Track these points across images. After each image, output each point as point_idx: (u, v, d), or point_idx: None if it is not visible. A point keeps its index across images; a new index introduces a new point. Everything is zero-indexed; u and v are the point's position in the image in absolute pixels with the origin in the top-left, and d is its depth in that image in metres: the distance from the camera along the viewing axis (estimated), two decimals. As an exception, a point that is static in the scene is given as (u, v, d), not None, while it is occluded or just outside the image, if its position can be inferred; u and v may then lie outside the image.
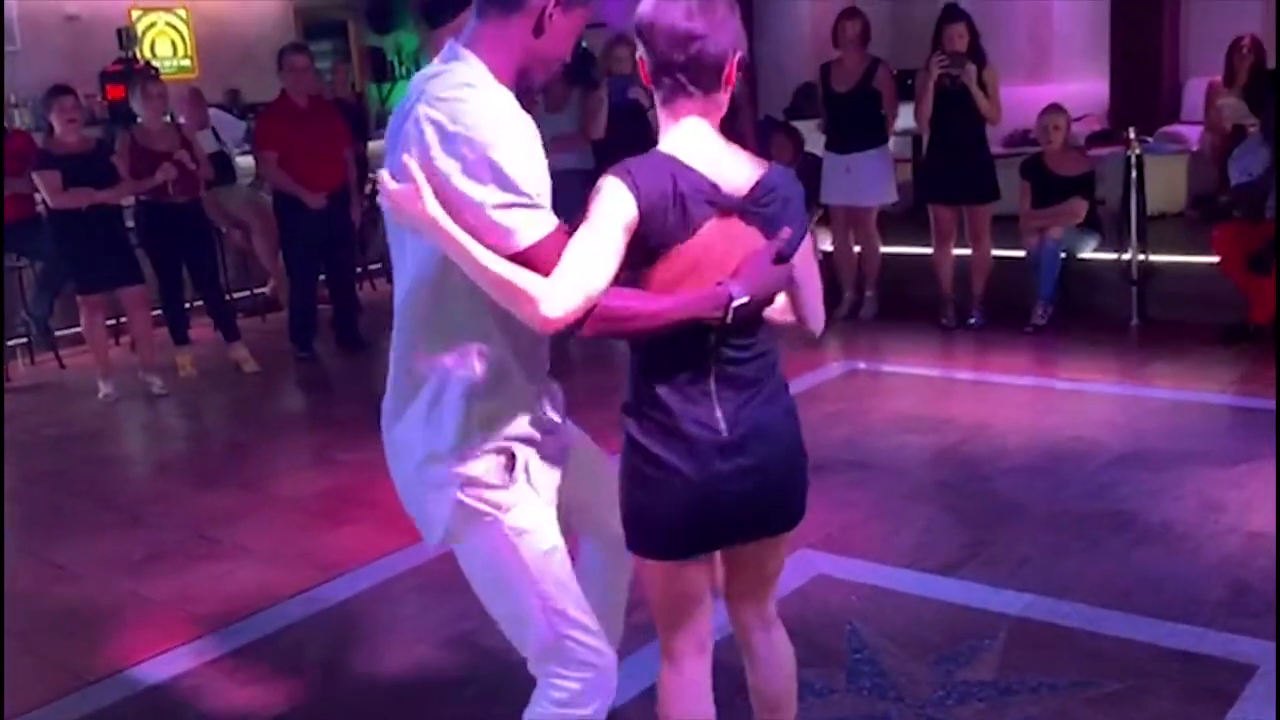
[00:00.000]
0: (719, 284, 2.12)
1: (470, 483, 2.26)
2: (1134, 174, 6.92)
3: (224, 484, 5.41)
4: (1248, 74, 7.84)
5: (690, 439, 2.20)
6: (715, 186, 2.13)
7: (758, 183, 2.18)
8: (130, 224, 7.14)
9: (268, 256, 8.73)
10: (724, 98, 2.19)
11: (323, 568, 4.33)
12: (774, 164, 2.27)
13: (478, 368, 2.25)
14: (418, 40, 14.01)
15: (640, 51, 2.20)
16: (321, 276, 7.72)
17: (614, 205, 2.08)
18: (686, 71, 2.14)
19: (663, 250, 2.12)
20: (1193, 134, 8.59)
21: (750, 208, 2.17)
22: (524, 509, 2.31)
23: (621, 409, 2.32)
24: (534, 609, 2.33)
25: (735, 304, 2.10)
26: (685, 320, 2.11)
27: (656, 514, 2.26)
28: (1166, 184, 7.99)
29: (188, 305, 7.51)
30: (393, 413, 2.41)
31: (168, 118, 7.78)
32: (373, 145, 10.21)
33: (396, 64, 13.80)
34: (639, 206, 2.08)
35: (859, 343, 7.16)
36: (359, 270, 9.01)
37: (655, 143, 2.22)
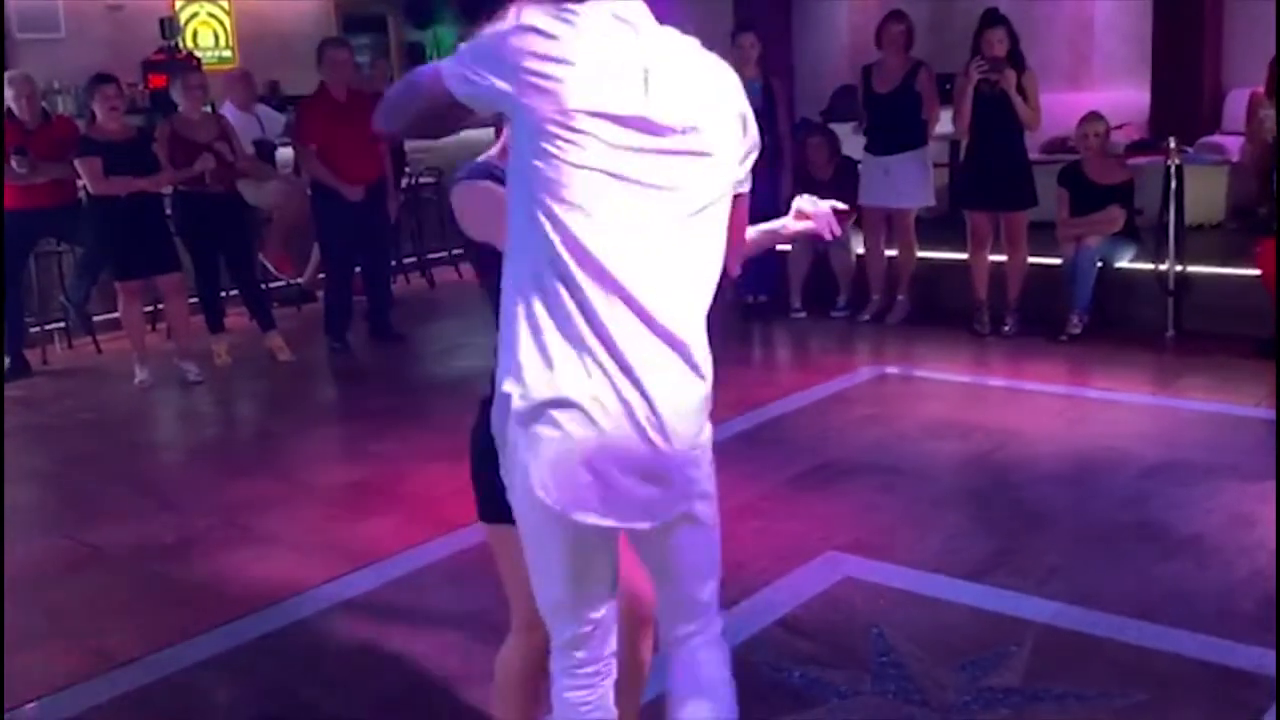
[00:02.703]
0: None
1: None
2: (1173, 184, 6.86)
3: (255, 472, 5.45)
4: (1291, 86, 7.75)
5: None
6: None
7: None
8: (168, 212, 7.20)
9: (277, 244, 8.77)
10: None
11: (351, 557, 4.36)
12: None
13: None
14: (457, 34, 14.08)
15: None
16: (358, 269, 7.76)
17: None
18: None
19: None
20: (1233, 145, 8.50)
21: None
22: None
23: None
24: None
25: None
26: None
27: None
28: (1206, 195, 7.91)
29: (224, 294, 7.56)
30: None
31: (208, 108, 7.85)
32: (409, 141, 10.27)
33: (436, 58, 13.89)
34: None
35: (890, 347, 7.15)
36: (394, 264, 9.06)
37: None
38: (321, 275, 8.15)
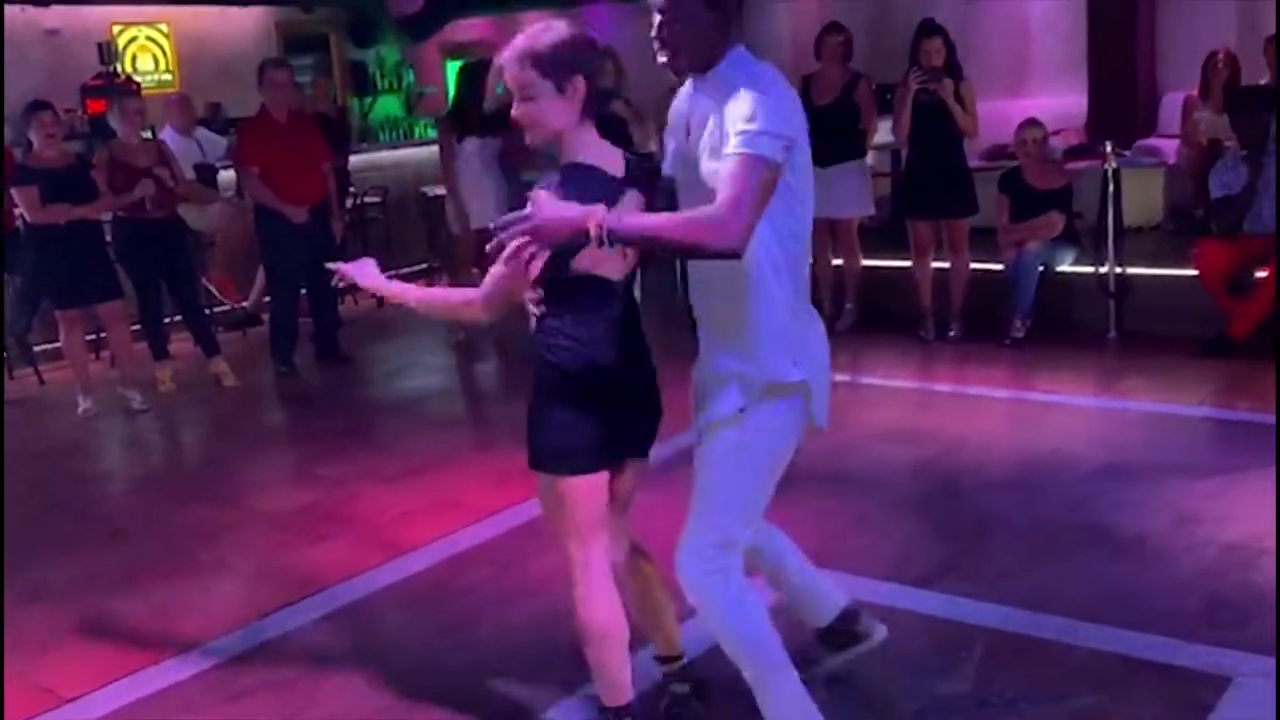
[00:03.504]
0: None
1: None
2: (1111, 187, 6.97)
3: (203, 499, 5.40)
4: (1223, 88, 7.89)
5: None
6: None
7: None
8: (108, 239, 7.11)
9: (222, 267, 8.70)
10: None
11: (302, 583, 4.32)
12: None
13: None
14: (399, 54, 14.03)
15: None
16: (303, 291, 7.71)
17: None
18: None
19: None
20: (1169, 147, 8.65)
21: None
22: None
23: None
24: None
25: None
26: None
27: None
28: (1143, 197, 8.04)
29: (167, 320, 7.48)
30: None
31: (147, 133, 7.78)
32: (354, 159, 10.23)
33: (378, 77, 13.81)
34: None
35: (840, 355, 7.05)
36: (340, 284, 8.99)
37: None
38: (266, 298, 8.09)
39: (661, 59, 2.67)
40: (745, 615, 2.85)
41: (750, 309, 2.68)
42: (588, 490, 2.79)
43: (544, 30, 2.63)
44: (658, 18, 2.63)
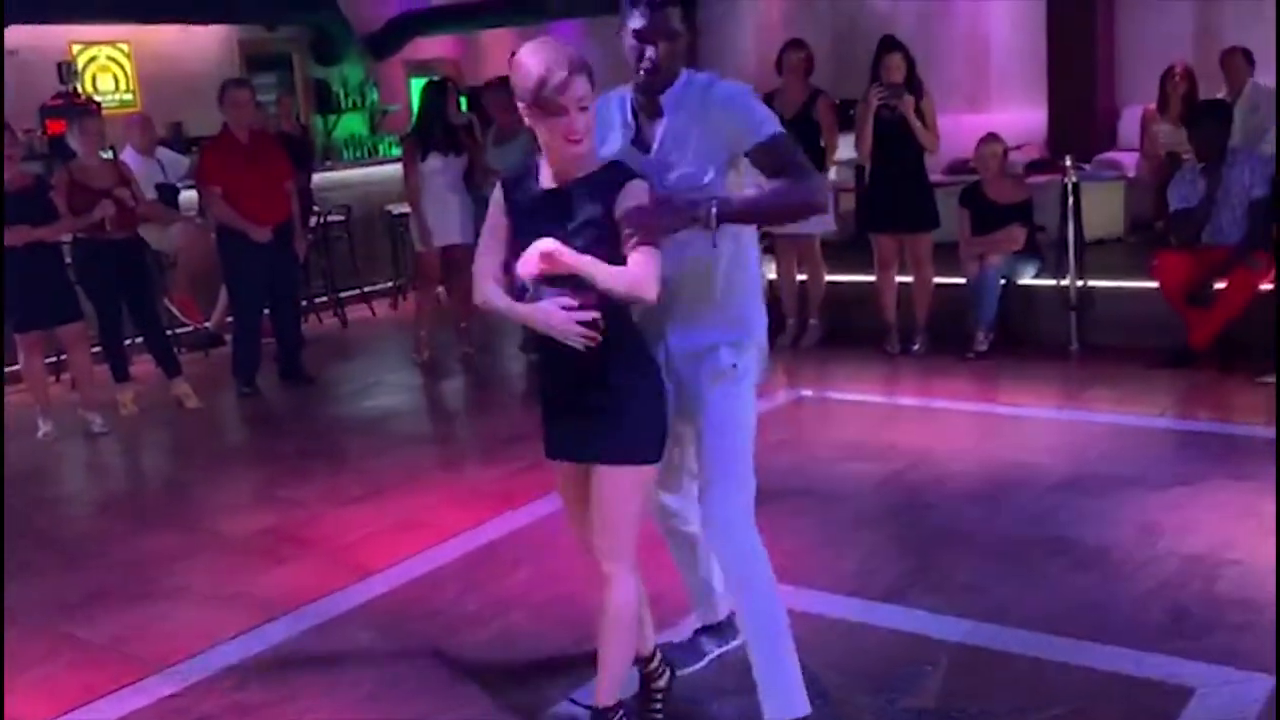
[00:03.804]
0: None
1: None
2: (1071, 201, 7.02)
3: (164, 523, 5.34)
4: (1181, 102, 7.98)
5: None
6: None
7: None
8: (68, 261, 7.04)
9: (184, 287, 8.64)
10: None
11: (264, 607, 4.28)
12: None
13: None
14: (363, 72, 13.99)
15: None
16: (266, 311, 7.66)
17: None
18: None
19: None
20: (1129, 160, 8.74)
21: None
22: None
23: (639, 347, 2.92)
24: None
25: None
26: None
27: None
28: (1104, 210, 8.11)
29: (128, 341, 7.41)
30: None
31: (108, 153, 7.72)
32: (318, 178, 10.19)
33: (342, 96, 13.76)
34: None
35: (805, 371, 7.21)
36: (304, 303, 8.96)
37: None
38: (229, 318, 8.04)
39: (644, 78, 2.88)
40: (772, 576, 3.08)
41: (744, 278, 3.08)
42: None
43: (574, 44, 2.81)
44: (653, 41, 2.84)
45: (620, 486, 2.90)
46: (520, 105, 2.76)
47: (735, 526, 3.02)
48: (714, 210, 2.77)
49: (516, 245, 2.81)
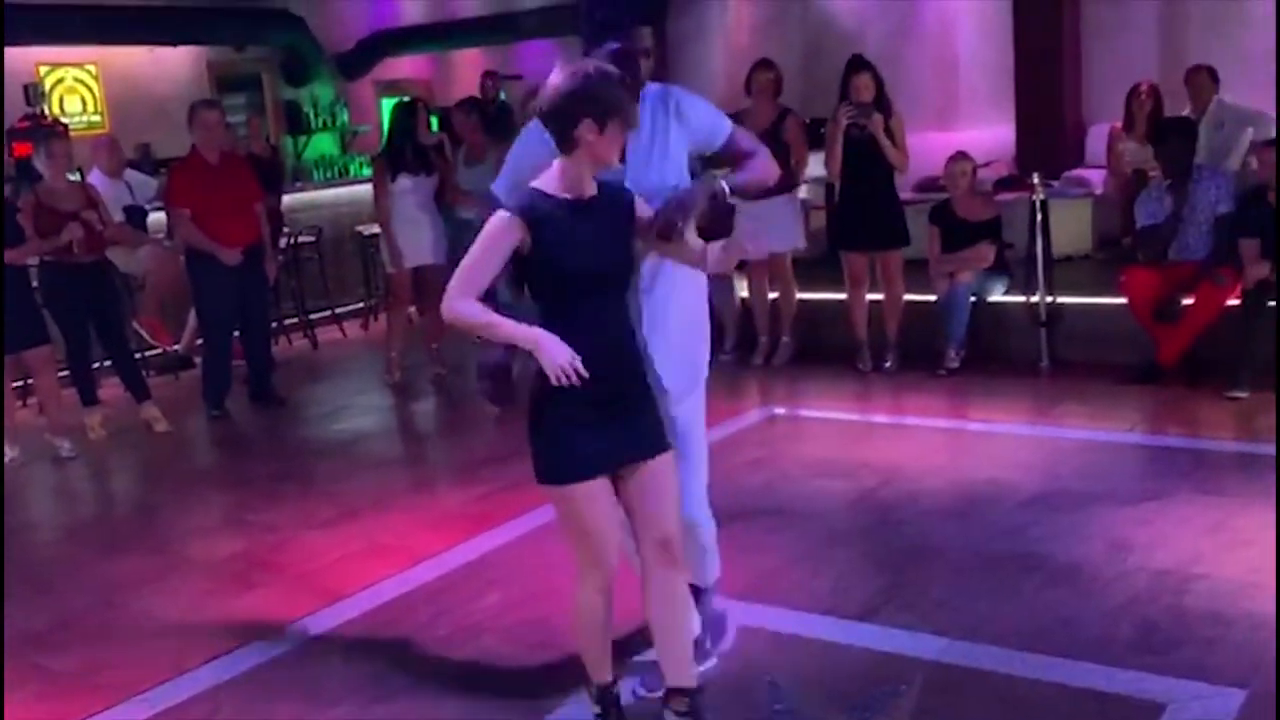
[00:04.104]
0: None
1: None
2: (1039, 218, 7.07)
3: (133, 548, 5.29)
4: (1147, 120, 8.06)
5: None
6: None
7: None
8: (34, 284, 6.99)
9: (153, 310, 8.59)
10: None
11: (235, 632, 4.24)
12: None
13: None
14: (333, 92, 13.98)
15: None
16: (236, 333, 7.62)
17: None
18: None
19: None
20: (1096, 178, 8.80)
21: None
22: None
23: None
24: None
25: None
26: None
27: None
28: (1072, 227, 8.16)
29: (96, 365, 7.36)
30: None
31: (75, 176, 7.67)
32: (288, 198, 10.16)
33: (312, 116, 13.75)
34: None
35: (777, 388, 7.22)
36: (275, 325, 8.92)
37: None
38: (199, 341, 7.99)
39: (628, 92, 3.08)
40: None
41: (702, 303, 3.55)
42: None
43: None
44: (641, 58, 3.25)
45: (671, 470, 3.11)
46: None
47: (704, 516, 3.59)
48: (724, 184, 3.25)
49: (547, 259, 2.94)
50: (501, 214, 2.95)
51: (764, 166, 3.47)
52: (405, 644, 4.07)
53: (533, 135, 3.26)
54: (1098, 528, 4.58)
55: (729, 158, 3.46)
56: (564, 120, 2.89)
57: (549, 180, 2.98)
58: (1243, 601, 3.85)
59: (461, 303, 2.95)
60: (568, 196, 2.96)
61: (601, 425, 2.98)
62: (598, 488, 3.03)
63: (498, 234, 2.94)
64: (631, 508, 3.10)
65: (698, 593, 3.58)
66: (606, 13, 3.32)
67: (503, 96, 11.68)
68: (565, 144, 2.92)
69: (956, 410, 6.50)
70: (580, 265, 2.94)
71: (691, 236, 3.17)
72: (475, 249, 2.96)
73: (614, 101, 2.89)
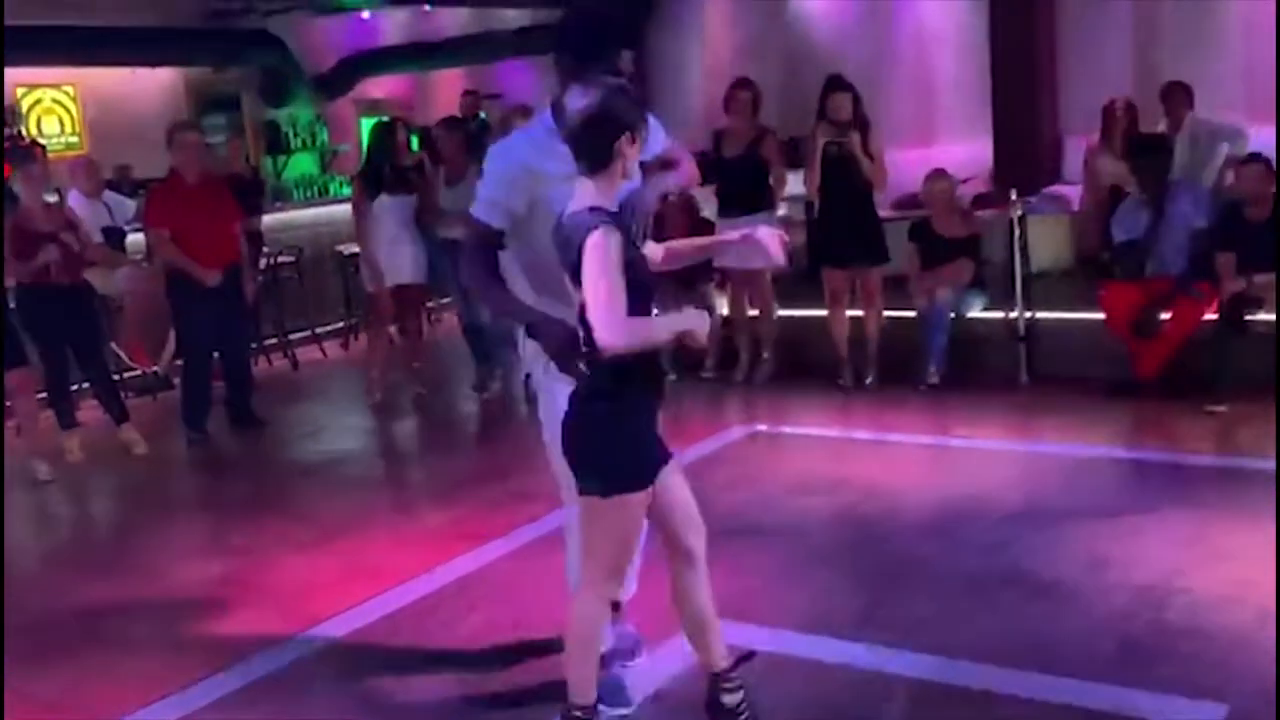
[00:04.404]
0: None
1: None
2: (1017, 234, 7.11)
3: (112, 573, 5.25)
4: (1123, 136, 8.11)
5: None
6: None
7: None
8: (12, 306, 6.94)
9: (132, 331, 8.55)
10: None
11: (215, 656, 4.20)
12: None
13: None
14: (313, 112, 13.97)
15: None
16: (216, 354, 7.59)
17: None
18: None
19: None
20: (1073, 193, 8.84)
21: None
22: None
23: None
24: None
25: None
26: None
27: None
28: (1050, 243, 8.20)
29: (74, 387, 7.31)
30: None
31: (53, 197, 7.64)
32: (268, 219, 10.14)
33: (292, 136, 13.73)
34: None
35: (759, 406, 7.23)
36: (254, 346, 8.89)
37: None
38: (178, 362, 7.95)
39: None
40: None
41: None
42: None
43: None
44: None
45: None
46: None
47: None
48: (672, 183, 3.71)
49: (634, 270, 2.99)
50: (606, 232, 2.92)
51: (691, 171, 3.79)
52: (388, 666, 4.05)
53: (515, 155, 3.29)
54: (1078, 543, 4.59)
55: (662, 164, 3.64)
56: (605, 135, 2.97)
57: (590, 198, 3.00)
58: (1223, 616, 3.86)
59: (623, 328, 2.91)
60: (614, 210, 3.04)
61: (655, 428, 3.13)
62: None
63: (615, 251, 2.92)
64: (668, 511, 3.17)
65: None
66: (587, 40, 3.34)
67: (483, 116, 11.69)
68: (604, 159, 2.99)
69: (937, 426, 6.51)
70: (648, 273, 3.10)
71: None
72: (603, 274, 2.90)
73: (639, 116, 3.03)
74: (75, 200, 8.28)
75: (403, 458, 7.40)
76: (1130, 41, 9.77)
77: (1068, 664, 3.63)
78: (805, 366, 7.64)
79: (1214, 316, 6.38)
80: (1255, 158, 6.55)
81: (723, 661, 3.29)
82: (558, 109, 3.20)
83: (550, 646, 3.50)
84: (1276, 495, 4.71)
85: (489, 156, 3.48)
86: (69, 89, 11.79)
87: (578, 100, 2.97)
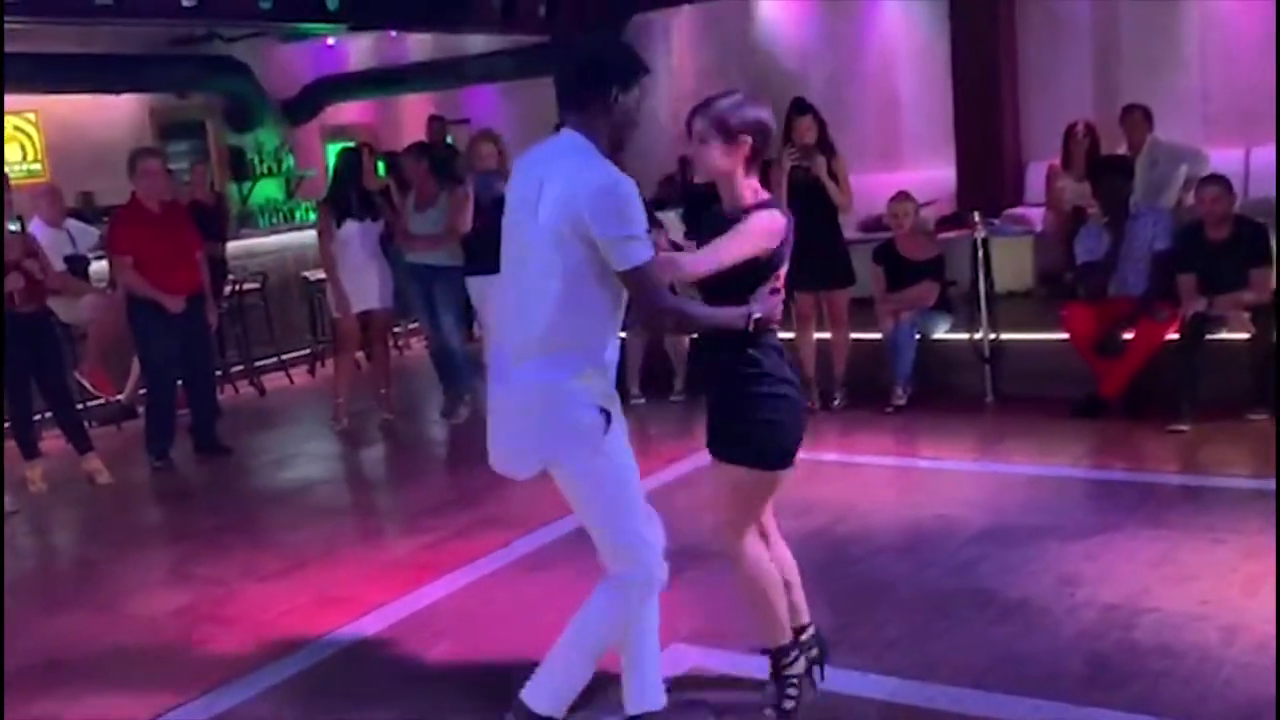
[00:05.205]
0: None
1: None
2: (981, 255, 7.17)
3: (75, 605, 5.19)
4: (1085, 158, 8.19)
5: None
6: None
7: None
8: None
9: (95, 360, 8.48)
10: None
11: (180, 689, 4.16)
12: None
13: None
14: (278, 138, 13.91)
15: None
16: (180, 382, 7.53)
17: None
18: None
19: None
20: (1036, 215, 8.92)
21: None
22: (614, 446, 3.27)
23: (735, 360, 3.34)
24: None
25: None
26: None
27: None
28: (1014, 264, 8.27)
29: (37, 417, 7.23)
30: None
31: (15, 225, 7.58)
32: (233, 245, 10.08)
33: (257, 162, 13.67)
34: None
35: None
36: (220, 373, 8.83)
37: None
38: (142, 390, 7.88)
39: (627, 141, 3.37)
40: None
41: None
42: None
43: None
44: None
45: None
46: None
47: None
48: None
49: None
50: (772, 218, 3.35)
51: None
52: (355, 696, 4.01)
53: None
54: (1046, 562, 4.61)
55: None
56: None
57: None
58: (1190, 634, 3.89)
59: (710, 270, 3.36)
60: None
61: None
62: None
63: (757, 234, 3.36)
64: None
65: None
66: (584, 79, 3.26)
67: (450, 141, 11.68)
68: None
69: (904, 447, 6.54)
70: None
71: None
72: (745, 241, 3.34)
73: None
74: (37, 228, 8.21)
75: (370, 485, 7.35)
76: (1090, 65, 9.90)
77: (1038, 684, 3.64)
78: (773, 389, 7.63)
79: (1176, 336, 6.45)
80: (1214, 179, 6.63)
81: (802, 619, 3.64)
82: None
83: (517, 676, 3.47)
84: (1277, 513, 4.74)
85: (627, 187, 3.13)
86: (30, 115, 11.68)
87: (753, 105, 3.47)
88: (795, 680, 3.52)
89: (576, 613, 3.37)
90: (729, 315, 3.27)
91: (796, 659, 3.55)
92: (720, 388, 3.41)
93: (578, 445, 3.20)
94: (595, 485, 3.27)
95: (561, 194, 3.07)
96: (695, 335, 3.55)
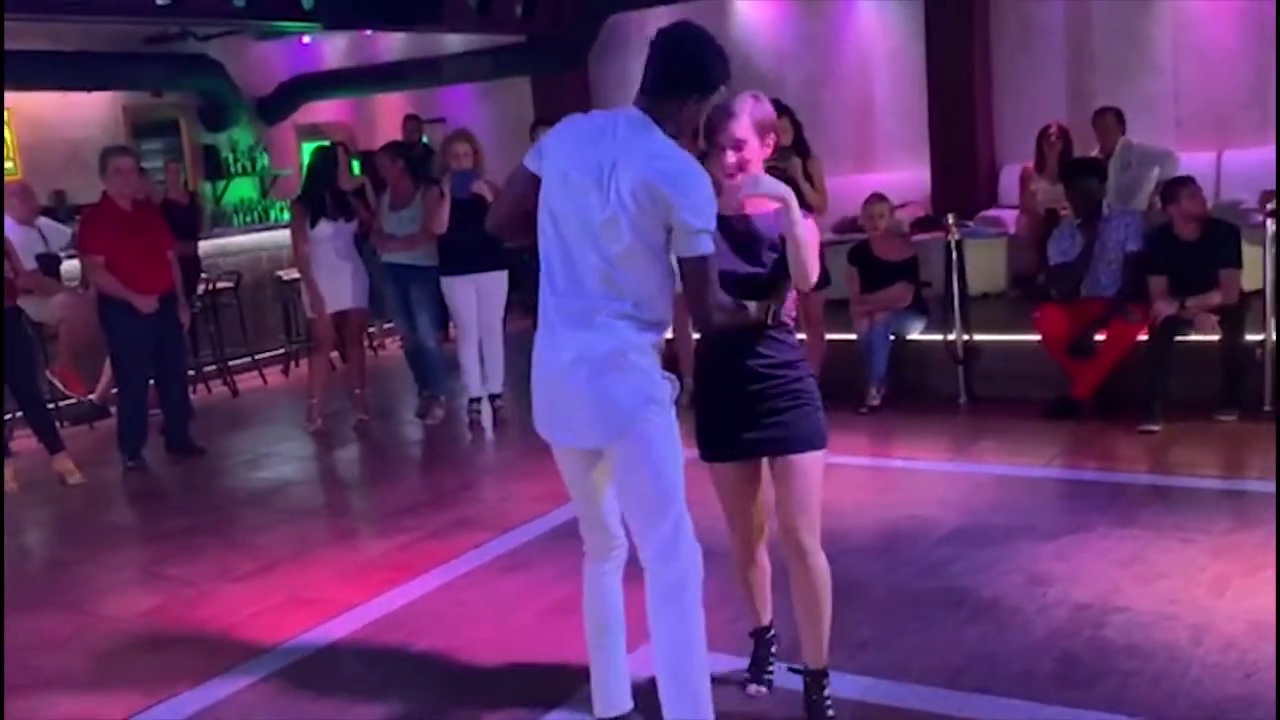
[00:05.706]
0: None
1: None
2: (955, 257, 7.20)
3: (45, 606, 5.14)
4: (1057, 160, 8.25)
5: None
6: None
7: None
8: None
9: (67, 359, 8.42)
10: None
11: (150, 691, 4.13)
12: None
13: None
14: (253, 136, 13.86)
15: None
16: (152, 381, 7.49)
17: None
18: None
19: None
20: (1009, 217, 8.99)
21: None
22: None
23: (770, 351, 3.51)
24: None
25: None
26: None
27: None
28: (987, 266, 8.33)
29: (7, 416, 7.17)
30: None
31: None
32: (207, 244, 10.03)
33: (232, 161, 13.61)
34: None
35: (702, 430, 7.22)
36: (192, 372, 8.78)
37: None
38: (114, 390, 7.83)
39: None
40: None
41: None
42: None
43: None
44: None
45: None
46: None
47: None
48: None
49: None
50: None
51: None
52: (328, 698, 4.00)
53: None
54: (1018, 562, 4.64)
55: None
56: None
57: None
58: (1160, 633, 3.92)
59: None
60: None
61: None
62: None
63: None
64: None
65: None
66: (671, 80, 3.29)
67: (425, 140, 11.66)
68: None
69: (879, 447, 6.56)
70: None
71: None
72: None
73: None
74: (9, 227, 8.14)
75: (344, 485, 7.33)
76: (1063, 68, 9.97)
77: (1009, 683, 3.66)
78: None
79: (1146, 338, 6.49)
80: (1185, 180, 6.68)
81: (815, 661, 3.61)
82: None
83: (493, 679, 3.47)
84: (1277, 513, 4.77)
85: (702, 176, 3.14)
86: (2, 113, 11.60)
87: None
88: (831, 703, 3.52)
89: (657, 649, 3.43)
90: (756, 311, 3.35)
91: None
92: (758, 385, 3.50)
93: (663, 407, 3.24)
94: (664, 446, 3.29)
95: (643, 175, 3.05)
96: (704, 335, 3.60)
